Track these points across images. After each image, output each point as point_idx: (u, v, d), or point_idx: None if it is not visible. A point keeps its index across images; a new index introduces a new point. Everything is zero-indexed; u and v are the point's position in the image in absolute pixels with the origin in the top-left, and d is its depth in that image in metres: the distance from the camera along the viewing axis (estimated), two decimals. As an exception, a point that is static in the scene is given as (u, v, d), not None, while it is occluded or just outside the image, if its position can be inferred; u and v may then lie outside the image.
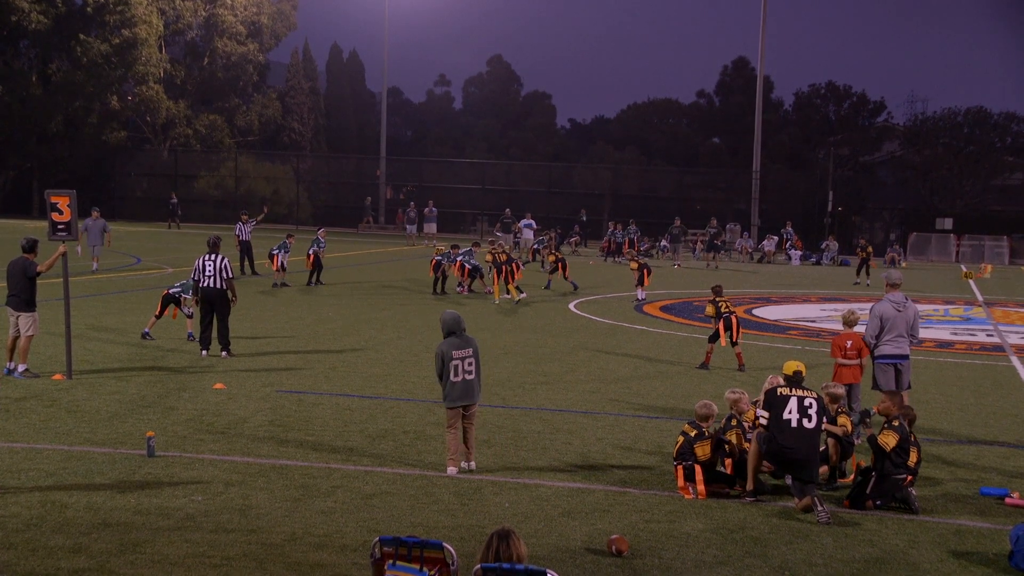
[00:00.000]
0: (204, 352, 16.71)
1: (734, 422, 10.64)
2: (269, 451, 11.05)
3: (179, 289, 18.45)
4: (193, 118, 65.59)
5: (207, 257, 16.80)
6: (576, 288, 29.79)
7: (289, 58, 72.99)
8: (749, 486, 10.02)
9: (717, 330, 17.48)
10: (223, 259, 16.85)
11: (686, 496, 9.93)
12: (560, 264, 30.32)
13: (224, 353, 16.67)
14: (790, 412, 9.82)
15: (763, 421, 9.98)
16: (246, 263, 30.84)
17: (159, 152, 65.79)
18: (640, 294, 27.83)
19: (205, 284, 16.72)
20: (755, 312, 26.51)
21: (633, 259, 28.99)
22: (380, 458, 10.92)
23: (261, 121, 68.50)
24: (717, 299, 17.66)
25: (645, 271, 27.41)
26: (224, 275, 16.70)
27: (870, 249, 37.83)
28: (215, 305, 16.73)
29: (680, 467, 10.15)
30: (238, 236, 31.28)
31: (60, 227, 14.42)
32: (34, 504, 9.06)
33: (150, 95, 62.74)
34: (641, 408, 14.06)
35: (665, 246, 48.62)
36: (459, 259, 28.29)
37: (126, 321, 20.30)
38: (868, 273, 36.72)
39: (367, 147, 72.78)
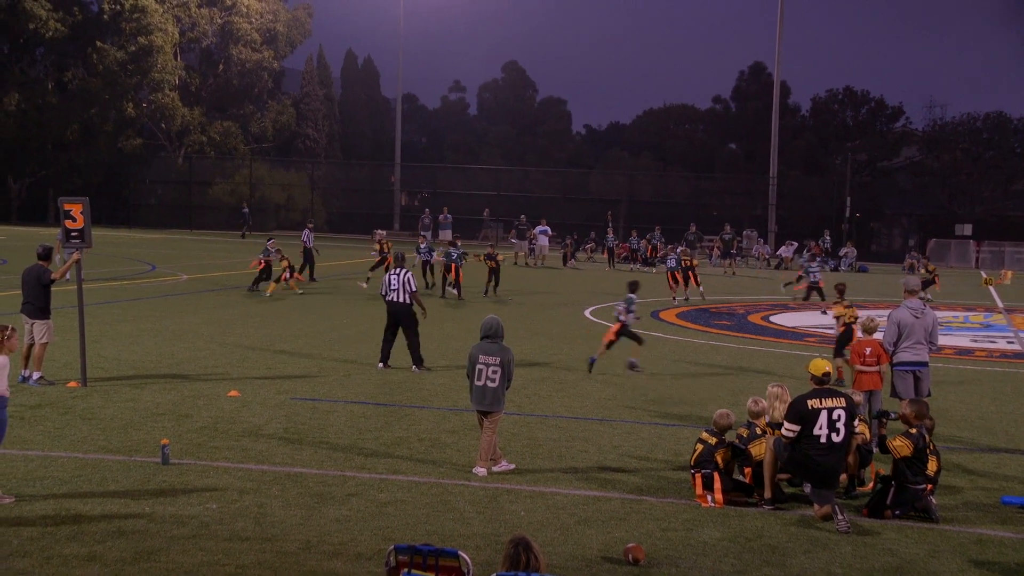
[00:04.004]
0: (381, 365, 16.82)
1: (758, 430, 10.53)
2: (283, 458, 11.06)
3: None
4: (208, 125, 65.91)
5: (393, 272, 17.00)
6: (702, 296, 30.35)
7: (304, 65, 73.26)
8: (767, 494, 9.97)
9: (844, 338, 16.22)
10: (406, 272, 16.95)
11: (703, 504, 9.88)
12: (690, 272, 30.27)
13: (415, 368, 16.72)
14: (820, 428, 9.69)
15: (788, 434, 9.84)
16: (306, 271, 31.18)
17: (174, 159, 66.14)
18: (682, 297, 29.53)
19: (391, 299, 16.81)
20: (772, 319, 26.41)
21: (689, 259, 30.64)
22: (395, 466, 10.91)
23: (275, 128, 68.79)
24: (841, 300, 16.83)
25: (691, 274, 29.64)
26: (408, 288, 16.77)
27: (932, 267, 36.40)
28: (400, 320, 16.81)
29: (699, 475, 10.09)
30: (305, 243, 31.91)
31: (74, 234, 14.47)
32: (49, 512, 9.08)
33: (165, 102, 63.10)
34: (657, 415, 14.02)
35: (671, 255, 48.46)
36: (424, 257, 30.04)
37: (141, 328, 20.37)
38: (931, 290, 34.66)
39: (382, 153, 72.99)
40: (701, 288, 30.37)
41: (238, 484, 10.06)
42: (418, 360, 16.77)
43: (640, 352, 17.18)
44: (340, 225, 61.65)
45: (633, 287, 17.54)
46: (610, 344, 17.02)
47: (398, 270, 16.99)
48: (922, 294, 13.01)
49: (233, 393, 14.29)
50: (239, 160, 65.69)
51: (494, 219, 58.99)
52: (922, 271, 36.62)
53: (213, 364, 16.70)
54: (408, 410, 13.74)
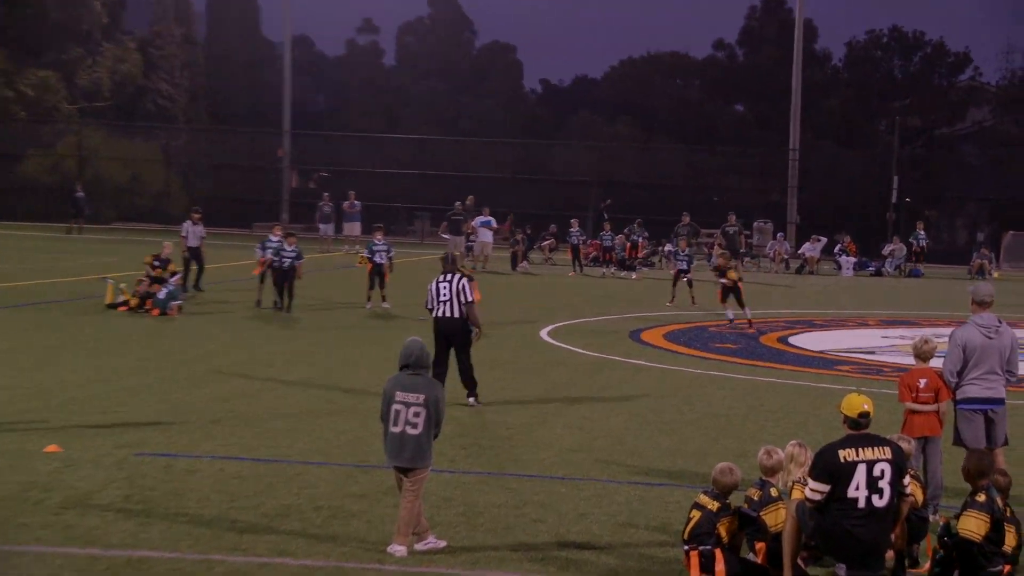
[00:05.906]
0: None
1: (774, 492, 10.52)
2: (123, 539, 10.92)
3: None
4: (15, 75, 64.86)
5: (441, 278, 17.47)
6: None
7: (154, -6, 72.87)
8: (787, 577, 10.01)
9: None
10: (460, 280, 17.42)
11: (701, 592, 9.92)
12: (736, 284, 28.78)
13: (471, 400, 17.28)
14: (857, 488, 9.60)
15: (814, 496, 9.77)
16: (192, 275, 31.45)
17: (-35, 122, 65.19)
18: (730, 314, 28.46)
19: (440, 313, 17.32)
20: (791, 341, 26.61)
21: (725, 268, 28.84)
22: (281, 545, 10.83)
23: (114, 80, 68.12)
24: None
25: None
26: (462, 299, 17.21)
27: None
28: (451, 339, 17.28)
29: (694, 552, 10.12)
30: (185, 239, 31.91)
31: None
32: None
33: (-49, 43, 62.21)
34: (639, 472, 14.05)
35: (670, 251, 48.70)
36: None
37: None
38: None
39: (264, 117, 72.58)
40: (748, 310, 28.56)
41: None
42: (472, 388, 17.44)
43: None
44: (208, 215, 61.04)
45: None
46: None
47: (448, 275, 17.50)
48: None
49: (52, 448, 14.08)
50: (62, 124, 64.97)
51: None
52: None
53: (24, 408, 16.47)
54: (300, 467, 13.66)
